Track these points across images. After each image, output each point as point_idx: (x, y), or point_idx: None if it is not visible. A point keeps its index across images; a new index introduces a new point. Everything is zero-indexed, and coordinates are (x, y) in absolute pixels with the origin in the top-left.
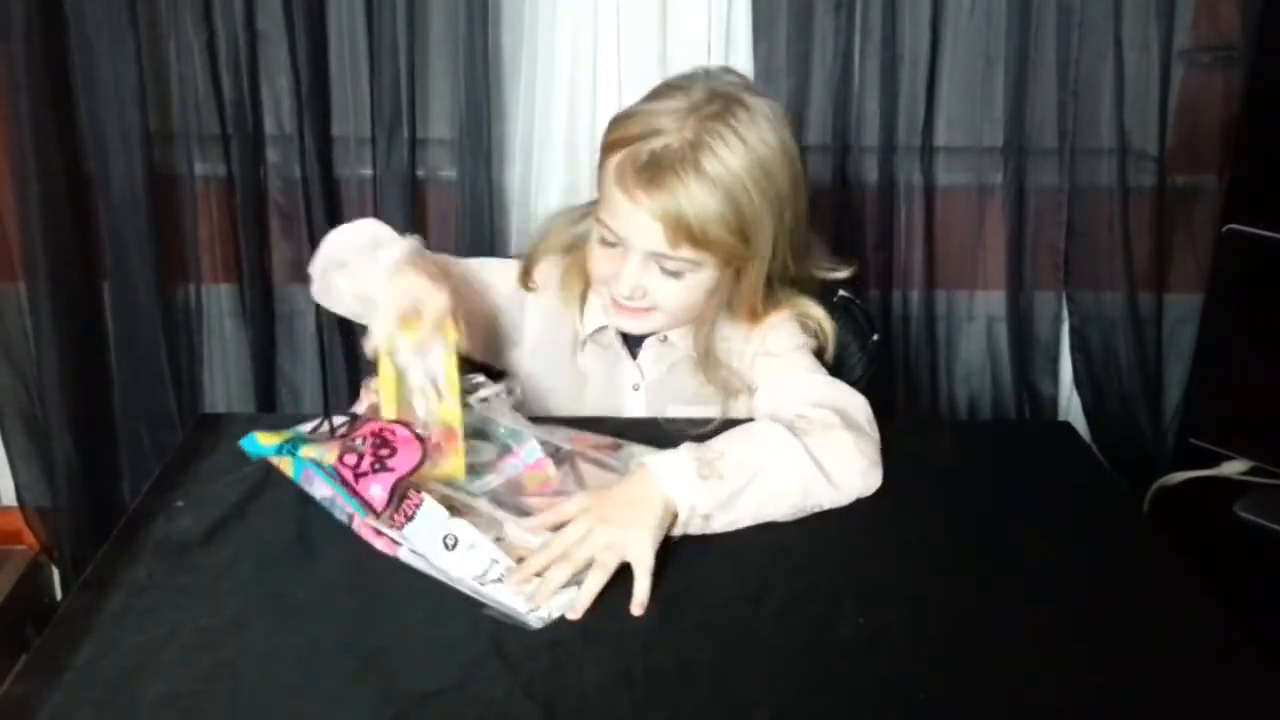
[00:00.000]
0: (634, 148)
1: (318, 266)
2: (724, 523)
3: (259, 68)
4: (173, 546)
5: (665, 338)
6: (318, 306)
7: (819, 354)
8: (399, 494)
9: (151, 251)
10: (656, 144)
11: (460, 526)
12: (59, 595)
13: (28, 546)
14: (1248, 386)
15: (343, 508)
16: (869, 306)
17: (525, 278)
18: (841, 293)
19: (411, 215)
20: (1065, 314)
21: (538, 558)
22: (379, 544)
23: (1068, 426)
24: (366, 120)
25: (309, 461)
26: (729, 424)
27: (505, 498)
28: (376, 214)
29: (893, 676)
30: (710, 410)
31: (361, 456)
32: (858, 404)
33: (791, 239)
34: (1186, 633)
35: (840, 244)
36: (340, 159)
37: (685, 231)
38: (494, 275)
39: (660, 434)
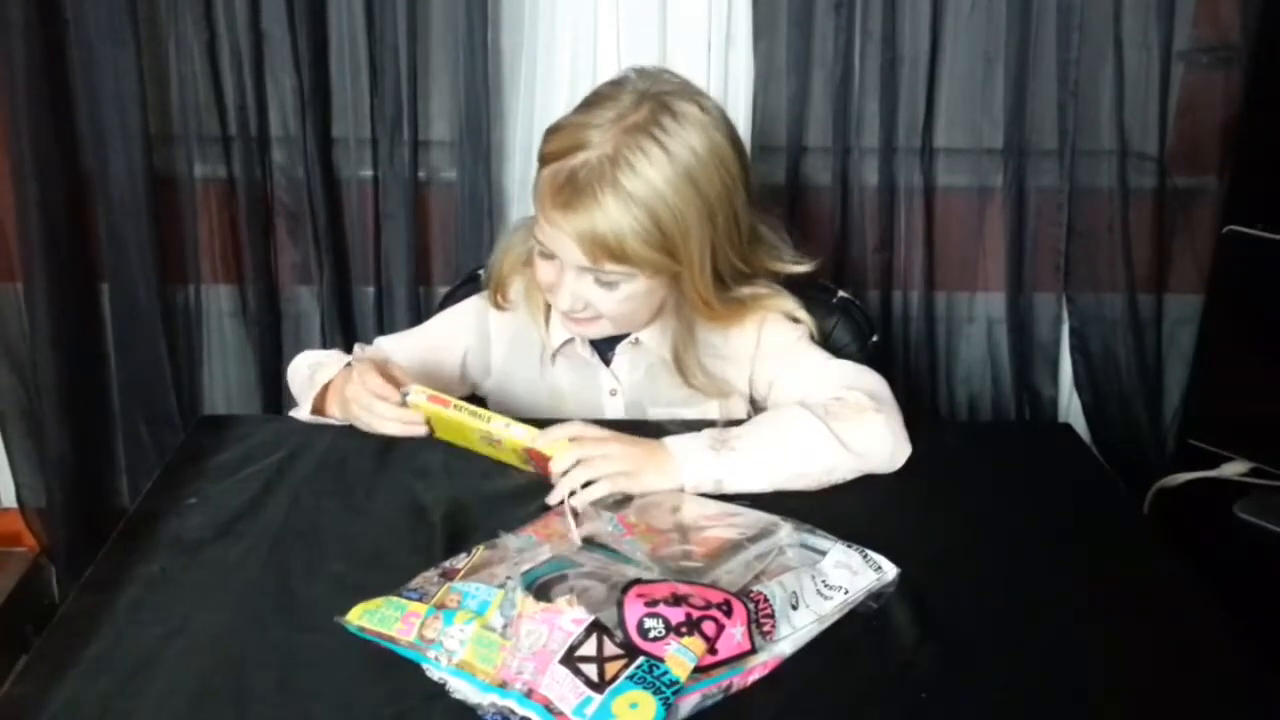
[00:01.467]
0: (557, 165)
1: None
2: (738, 486)
3: (260, 69)
4: (185, 543)
5: (637, 340)
6: (321, 308)
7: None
8: (746, 614)
9: (151, 252)
10: (577, 161)
11: (791, 581)
12: (58, 597)
13: (27, 548)
14: (1248, 388)
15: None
16: (868, 308)
17: (499, 296)
18: (841, 294)
19: (412, 216)
20: (1065, 315)
21: (564, 456)
22: (754, 676)
23: (1068, 428)
24: (367, 122)
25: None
26: (732, 424)
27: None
28: (377, 215)
29: (894, 676)
30: (695, 412)
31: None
32: (879, 381)
33: (731, 240)
34: (1187, 634)
35: (840, 245)
36: (341, 160)
37: (603, 249)
38: (452, 325)
39: (657, 434)
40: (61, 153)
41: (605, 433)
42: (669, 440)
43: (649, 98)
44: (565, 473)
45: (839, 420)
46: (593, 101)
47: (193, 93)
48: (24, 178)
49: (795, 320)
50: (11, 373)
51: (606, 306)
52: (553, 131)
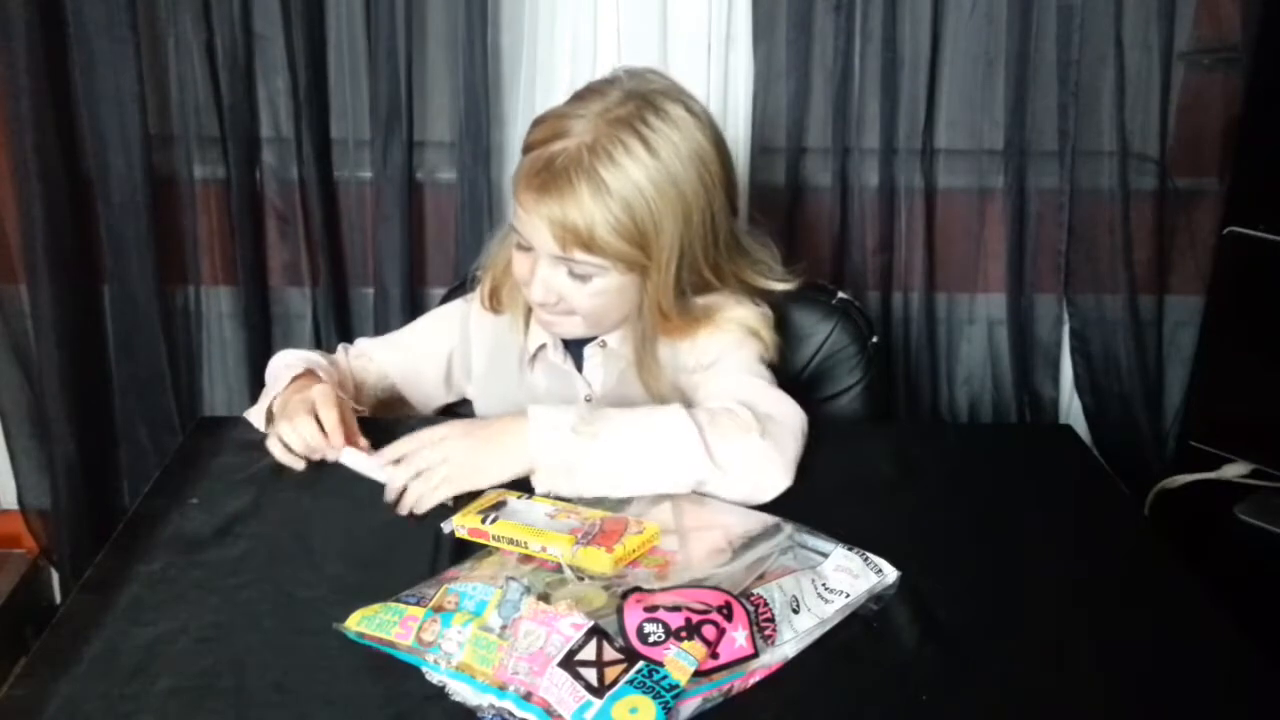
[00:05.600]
0: (537, 152)
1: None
2: (593, 485)
3: (257, 70)
4: (185, 543)
5: (604, 343)
6: (314, 309)
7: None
8: (747, 617)
9: (151, 253)
10: (556, 147)
11: (790, 585)
12: (58, 598)
13: (27, 550)
14: (1248, 389)
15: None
16: (868, 309)
17: (492, 300)
18: (841, 295)
19: (410, 218)
20: (1066, 317)
21: (400, 470)
22: (755, 679)
23: (1068, 429)
24: (365, 122)
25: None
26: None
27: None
28: (375, 217)
29: (894, 678)
30: None
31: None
32: (787, 411)
33: (705, 246)
34: (1187, 635)
35: (840, 246)
36: (339, 161)
37: (574, 237)
38: (435, 330)
39: None
40: (63, 154)
41: (442, 431)
42: (533, 411)
43: (636, 95)
44: (399, 494)
45: (716, 430)
46: (581, 96)
47: (192, 93)
48: (27, 179)
49: (755, 334)
50: (17, 373)
51: (578, 301)
52: (538, 122)
